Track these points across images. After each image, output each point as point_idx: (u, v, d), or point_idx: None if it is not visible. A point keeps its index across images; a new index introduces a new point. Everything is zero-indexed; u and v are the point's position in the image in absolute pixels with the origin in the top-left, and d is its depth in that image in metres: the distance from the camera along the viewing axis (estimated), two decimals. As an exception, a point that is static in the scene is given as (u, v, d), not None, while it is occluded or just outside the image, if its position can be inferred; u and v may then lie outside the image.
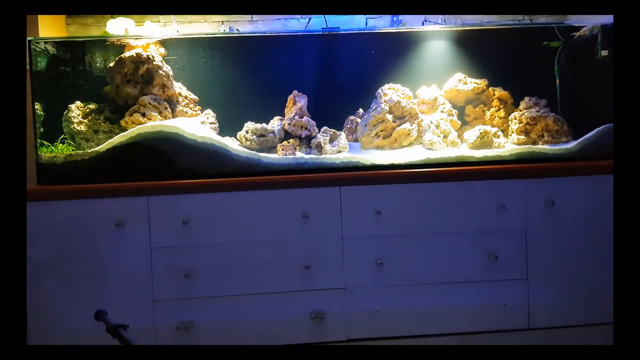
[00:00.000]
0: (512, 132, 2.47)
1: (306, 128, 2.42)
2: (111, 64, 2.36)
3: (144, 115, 2.30)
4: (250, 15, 2.74)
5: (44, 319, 2.09)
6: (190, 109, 2.49)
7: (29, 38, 2.23)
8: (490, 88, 2.61)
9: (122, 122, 2.30)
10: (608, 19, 2.32)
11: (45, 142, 2.28)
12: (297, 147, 2.39)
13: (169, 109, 2.37)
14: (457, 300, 2.19)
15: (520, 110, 2.51)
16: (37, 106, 2.26)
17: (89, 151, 2.22)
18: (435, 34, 2.62)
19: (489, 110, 2.59)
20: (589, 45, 2.47)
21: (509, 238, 2.20)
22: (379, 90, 2.50)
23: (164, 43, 2.49)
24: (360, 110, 2.58)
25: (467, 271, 2.20)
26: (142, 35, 2.45)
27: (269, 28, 2.75)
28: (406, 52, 2.61)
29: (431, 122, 2.44)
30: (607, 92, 1.94)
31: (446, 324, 2.19)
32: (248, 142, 2.39)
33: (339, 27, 2.50)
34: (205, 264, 2.13)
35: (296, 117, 2.43)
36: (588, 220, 2.20)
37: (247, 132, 2.42)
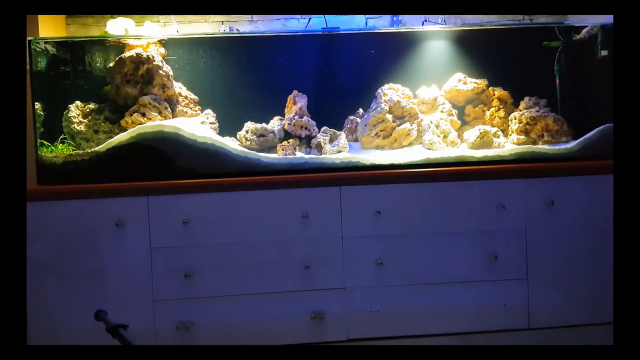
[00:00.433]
0: (512, 132, 2.47)
1: (306, 128, 2.42)
2: (111, 64, 2.36)
3: (144, 115, 2.30)
4: (250, 16, 2.74)
5: (44, 319, 2.08)
6: (190, 109, 2.49)
7: (29, 38, 2.23)
8: (490, 88, 2.61)
9: (122, 122, 2.30)
10: (608, 19, 2.32)
11: (45, 142, 2.28)
12: (297, 147, 2.39)
13: (169, 109, 2.37)
14: (457, 300, 2.19)
15: (520, 110, 2.51)
16: (37, 106, 2.26)
17: (89, 151, 2.23)
18: (435, 34, 2.62)
19: (488, 110, 2.59)
20: (588, 45, 2.47)
21: (509, 238, 2.20)
22: (379, 90, 2.50)
23: (164, 43, 2.49)
24: (360, 110, 2.58)
25: (467, 271, 2.20)
26: (142, 35, 2.45)
27: (268, 28, 2.75)
28: (406, 52, 2.62)
29: (431, 122, 2.44)
30: (607, 92, 1.94)
31: (446, 324, 2.19)
32: (248, 142, 2.39)
33: (338, 27, 2.50)
34: (205, 264, 2.13)
35: (296, 117, 2.43)
36: (588, 220, 2.20)
37: (247, 132, 2.42)
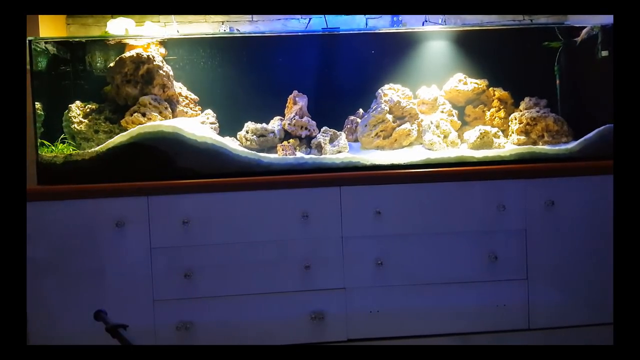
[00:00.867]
0: (512, 132, 2.47)
1: (306, 128, 2.42)
2: (111, 64, 2.36)
3: (144, 115, 2.30)
4: (250, 16, 2.74)
5: (44, 319, 2.08)
6: (191, 109, 2.49)
7: (29, 38, 2.23)
8: (491, 88, 2.61)
9: (123, 122, 2.31)
10: (608, 19, 2.32)
11: (45, 142, 2.28)
12: (297, 147, 2.39)
13: (169, 109, 2.37)
14: (457, 301, 2.19)
15: (521, 111, 2.51)
16: (38, 106, 2.26)
17: (89, 151, 2.23)
18: (435, 34, 2.62)
19: (489, 110, 2.59)
20: (589, 46, 2.47)
21: (509, 238, 2.20)
22: (379, 91, 2.50)
23: (164, 43, 2.49)
24: (361, 111, 2.58)
25: (467, 271, 2.20)
26: (143, 35, 2.45)
27: (269, 28, 2.75)
28: (406, 52, 2.61)
29: (431, 123, 2.44)
30: (607, 92, 1.94)
31: (446, 324, 2.19)
32: (248, 142, 2.39)
33: (339, 28, 2.50)
34: (205, 264, 2.13)
35: (296, 117, 2.43)
36: (588, 220, 2.20)
37: (247, 132, 2.42)
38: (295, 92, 2.50)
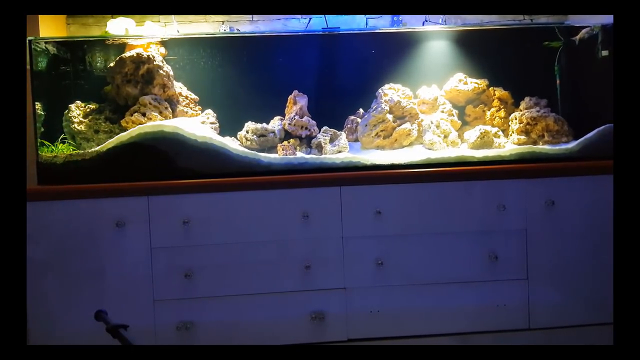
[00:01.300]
0: (513, 132, 2.47)
1: (306, 128, 2.42)
2: (112, 64, 2.36)
3: (144, 115, 2.30)
4: (250, 16, 2.74)
5: (44, 319, 2.09)
6: (191, 109, 2.49)
7: (29, 38, 2.23)
8: (491, 88, 2.61)
9: (123, 122, 2.30)
10: (609, 19, 2.32)
11: (45, 142, 2.28)
12: (298, 147, 2.39)
13: (169, 109, 2.37)
14: (457, 301, 2.19)
15: (521, 110, 2.51)
16: (38, 106, 2.26)
17: (90, 151, 2.23)
18: (435, 34, 2.62)
19: (489, 110, 2.59)
20: (589, 46, 2.47)
21: (510, 238, 2.20)
22: (379, 90, 2.50)
23: (164, 43, 2.49)
24: (361, 110, 2.58)
25: (467, 271, 2.20)
26: (143, 35, 2.45)
27: (269, 28, 2.75)
28: (406, 52, 2.61)
29: (431, 122, 2.44)
30: (608, 92, 1.94)
31: (446, 324, 2.19)
32: (248, 142, 2.39)
33: (339, 27, 2.50)
34: (206, 264, 2.13)
35: (296, 117, 2.43)
36: (588, 220, 2.20)
37: (247, 132, 2.42)
38: (295, 92, 2.50)
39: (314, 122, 2.44)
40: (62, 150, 2.30)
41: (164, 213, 2.12)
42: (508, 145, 2.41)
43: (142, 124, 2.25)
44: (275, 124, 2.46)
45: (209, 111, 2.49)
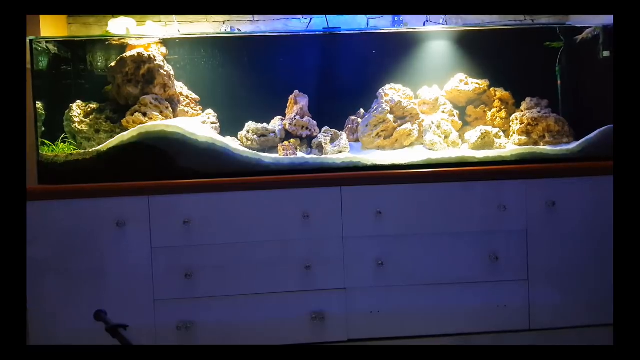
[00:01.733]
0: (514, 132, 2.46)
1: (307, 128, 2.42)
2: (112, 64, 2.36)
3: (145, 114, 2.30)
4: (251, 15, 2.74)
5: (45, 319, 2.09)
6: (192, 108, 2.49)
7: (30, 37, 2.23)
8: (492, 88, 2.60)
9: (124, 122, 2.31)
10: (610, 19, 2.32)
11: (46, 142, 2.28)
12: (298, 147, 2.39)
13: (170, 109, 2.37)
14: (457, 301, 2.19)
15: (522, 111, 2.51)
16: (39, 105, 2.27)
17: (90, 150, 2.23)
18: (436, 34, 2.62)
19: (490, 110, 2.59)
20: (590, 46, 2.46)
21: (510, 239, 2.20)
22: (380, 91, 2.50)
23: (165, 43, 2.49)
24: (362, 111, 2.58)
25: (468, 272, 2.19)
26: (144, 34, 2.45)
27: (270, 28, 2.75)
28: (407, 52, 2.61)
29: (432, 123, 2.44)
30: (609, 93, 1.93)
31: (447, 324, 2.19)
32: (249, 142, 2.39)
33: (340, 27, 2.50)
34: (206, 264, 2.13)
35: (297, 117, 2.43)
36: (589, 221, 2.20)
37: (248, 132, 2.42)
38: (296, 92, 2.50)
39: (315, 122, 2.44)
40: (62, 149, 2.30)
41: (165, 213, 2.12)
42: (509, 146, 2.41)
43: (142, 124, 2.25)
44: (276, 124, 2.46)
45: (210, 111, 2.49)
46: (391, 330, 2.18)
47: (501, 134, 2.44)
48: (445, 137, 2.43)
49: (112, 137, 2.26)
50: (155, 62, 2.35)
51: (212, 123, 2.44)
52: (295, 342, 2.15)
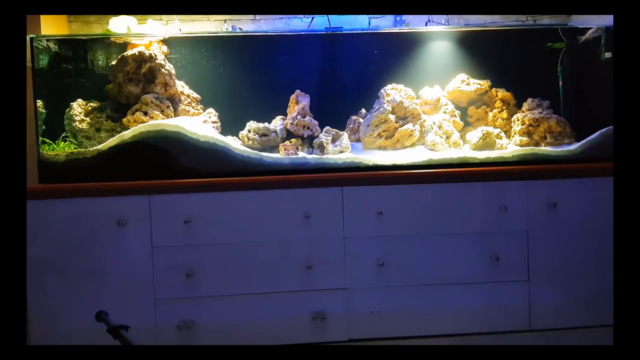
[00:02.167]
0: (515, 133, 2.46)
1: (308, 128, 2.42)
2: (113, 62, 2.35)
3: (146, 113, 2.29)
4: (252, 14, 2.73)
5: (45, 318, 2.08)
6: (193, 107, 2.48)
7: (31, 36, 2.23)
8: (493, 89, 2.60)
9: (124, 121, 2.30)
10: (612, 20, 2.31)
11: (47, 140, 2.28)
12: (300, 147, 2.39)
13: (171, 108, 2.37)
14: (458, 301, 2.19)
15: (523, 112, 2.51)
16: (39, 104, 2.26)
17: (91, 149, 2.22)
18: (438, 34, 2.61)
19: (491, 111, 2.58)
20: (592, 47, 2.46)
21: (511, 239, 2.20)
22: (382, 91, 2.50)
23: (166, 41, 2.48)
24: (363, 111, 2.58)
25: (468, 272, 2.19)
26: (145, 33, 2.45)
27: (271, 27, 2.74)
28: (409, 52, 2.61)
29: (434, 123, 2.44)
30: (611, 94, 1.93)
31: (447, 324, 2.19)
32: (250, 142, 2.39)
33: (341, 27, 2.50)
34: (207, 263, 2.13)
35: (298, 117, 2.42)
36: (590, 222, 2.20)
37: (249, 131, 2.41)
38: (297, 92, 2.49)
39: (316, 122, 2.44)
40: (63, 148, 2.29)
41: (166, 212, 2.12)
42: (510, 147, 2.41)
43: (143, 123, 2.24)
44: (277, 123, 2.46)
45: (211, 110, 2.48)
46: (392, 330, 2.18)
47: (502, 134, 2.44)
48: (447, 138, 2.42)
49: (112, 136, 2.26)
50: (157, 61, 2.35)
51: (213, 122, 2.43)
52: (296, 342, 2.15)
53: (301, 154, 2.33)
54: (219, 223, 2.13)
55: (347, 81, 2.62)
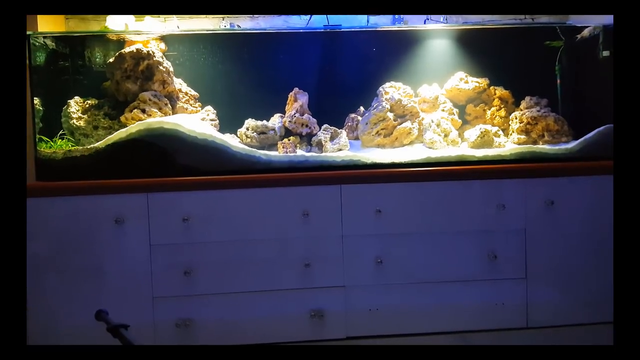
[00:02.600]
0: (513, 131, 2.47)
1: (307, 126, 2.42)
2: (111, 60, 2.34)
3: (144, 111, 2.28)
4: (250, 12, 2.73)
5: (43, 316, 2.08)
6: (191, 105, 2.48)
7: (28, 32, 2.21)
8: (492, 87, 2.60)
9: (122, 118, 2.29)
10: (610, 19, 2.32)
11: (44, 138, 2.27)
12: (298, 145, 2.38)
13: (169, 105, 2.36)
14: (456, 299, 2.20)
15: (521, 110, 2.51)
16: (36, 101, 2.25)
17: (89, 147, 2.21)
18: (437, 32, 2.61)
19: (489, 109, 2.59)
20: (590, 46, 2.47)
21: (509, 237, 2.21)
22: (380, 89, 2.50)
23: (164, 39, 2.47)
24: (361, 108, 2.58)
25: (466, 270, 2.20)
26: (142, 30, 2.43)
27: (270, 24, 2.73)
28: (408, 50, 2.60)
29: (432, 121, 2.44)
30: (608, 92, 1.94)
31: (445, 322, 2.20)
32: (248, 140, 2.38)
33: (340, 25, 2.49)
34: (205, 261, 2.13)
35: (297, 115, 2.42)
36: (587, 220, 2.21)
37: (247, 129, 2.41)
38: (296, 89, 2.49)
39: (315, 119, 2.44)
40: (60, 146, 2.28)
41: (164, 210, 2.11)
42: (508, 145, 2.41)
43: (141, 121, 2.23)
44: (275, 121, 2.46)
45: (209, 108, 2.47)
46: (389, 328, 2.19)
47: (500, 132, 2.44)
48: (445, 136, 2.43)
49: (110, 133, 2.25)
50: (154, 59, 2.34)
51: (211, 120, 2.43)
52: (294, 340, 2.15)
53: (299, 152, 2.32)
54: (217, 221, 2.13)
55: (345, 79, 2.62)
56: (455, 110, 2.55)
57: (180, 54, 2.55)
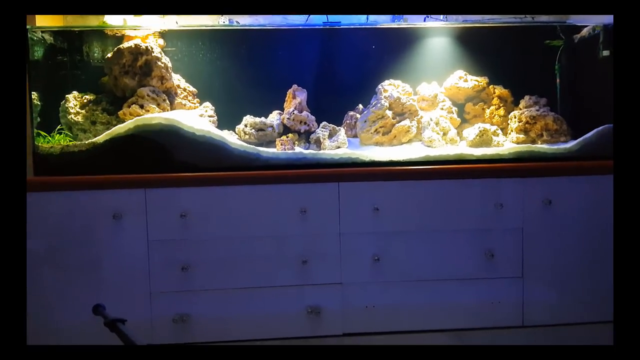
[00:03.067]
0: (512, 130, 2.47)
1: (305, 123, 2.41)
2: (109, 55, 2.34)
3: (142, 107, 2.28)
4: (250, 8, 2.71)
5: (41, 311, 2.07)
6: (189, 101, 2.47)
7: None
8: (491, 86, 2.60)
9: (120, 114, 2.29)
10: (610, 19, 2.32)
11: (42, 133, 2.26)
12: (296, 142, 2.38)
13: (167, 101, 2.35)
14: (452, 297, 2.20)
15: (520, 109, 2.51)
16: (34, 96, 2.24)
17: (86, 142, 2.21)
18: (436, 30, 2.61)
19: (488, 108, 2.59)
20: (590, 45, 2.47)
21: (506, 236, 2.21)
22: (379, 86, 2.49)
23: (162, 34, 2.47)
24: (360, 106, 2.57)
25: (463, 268, 2.21)
26: (141, 26, 2.43)
27: (269, 21, 2.72)
28: (407, 48, 2.60)
29: (431, 119, 2.44)
30: (608, 92, 1.94)
31: (441, 320, 2.21)
32: (247, 136, 2.38)
33: (339, 22, 2.48)
34: (202, 257, 2.13)
35: (295, 112, 2.42)
36: (585, 220, 2.21)
37: (246, 125, 2.40)
38: (294, 86, 2.48)
39: (313, 117, 2.43)
40: (58, 141, 2.28)
41: (161, 206, 2.11)
42: (507, 144, 2.41)
43: (139, 116, 2.23)
44: (274, 118, 2.45)
45: (208, 104, 2.47)
46: (386, 325, 2.19)
47: (499, 131, 2.44)
48: (444, 134, 2.43)
49: (108, 129, 2.25)
50: (153, 54, 2.33)
51: (209, 116, 2.42)
52: (291, 336, 2.16)
53: (298, 149, 2.32)
54: (214, 217, 2.13)
55: (344, 76, 2.62)
56: (454, 109, 2.55)
57: (178, 49, 2.54)
